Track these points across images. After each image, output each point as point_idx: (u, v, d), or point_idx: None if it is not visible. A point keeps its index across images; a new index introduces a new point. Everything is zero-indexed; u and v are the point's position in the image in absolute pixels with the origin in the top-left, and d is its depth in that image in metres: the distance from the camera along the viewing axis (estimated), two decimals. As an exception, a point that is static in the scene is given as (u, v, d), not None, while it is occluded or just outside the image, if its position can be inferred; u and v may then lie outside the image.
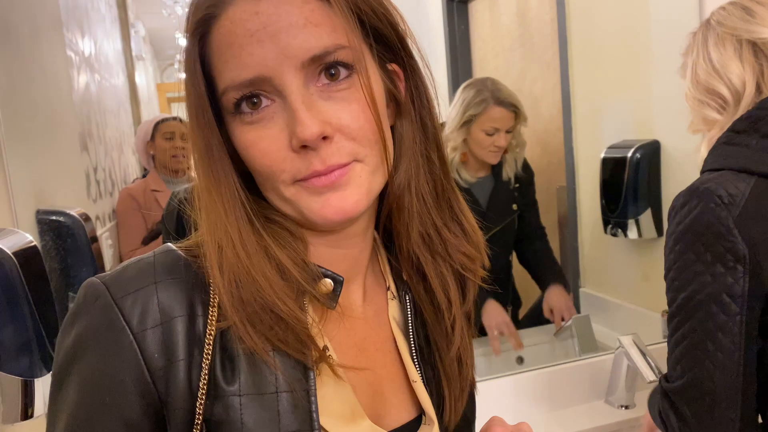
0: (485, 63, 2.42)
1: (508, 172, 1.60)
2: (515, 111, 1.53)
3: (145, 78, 3.47)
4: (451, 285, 0.55)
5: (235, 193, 0.48)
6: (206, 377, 0.45)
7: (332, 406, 0.48)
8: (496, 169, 1.61)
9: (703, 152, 0.91)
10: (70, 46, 1.49)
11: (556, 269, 1.69)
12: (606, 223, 1.64)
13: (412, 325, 0.55)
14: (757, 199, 0.78)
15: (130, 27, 2.82)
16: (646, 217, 1.54)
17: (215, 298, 0.47)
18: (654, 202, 1.54)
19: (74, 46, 1.54)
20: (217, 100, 0.48)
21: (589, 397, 1.34)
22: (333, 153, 0.46)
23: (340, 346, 0.51)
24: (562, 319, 1.58)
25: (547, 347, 1.59)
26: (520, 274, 1.74)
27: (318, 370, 0.47)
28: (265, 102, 0.46)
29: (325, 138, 0.45)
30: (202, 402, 0.45)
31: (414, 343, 0.54)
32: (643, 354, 1.23)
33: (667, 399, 0.86)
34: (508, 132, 1.54)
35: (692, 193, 0.82)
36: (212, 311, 0.46)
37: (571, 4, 1.72)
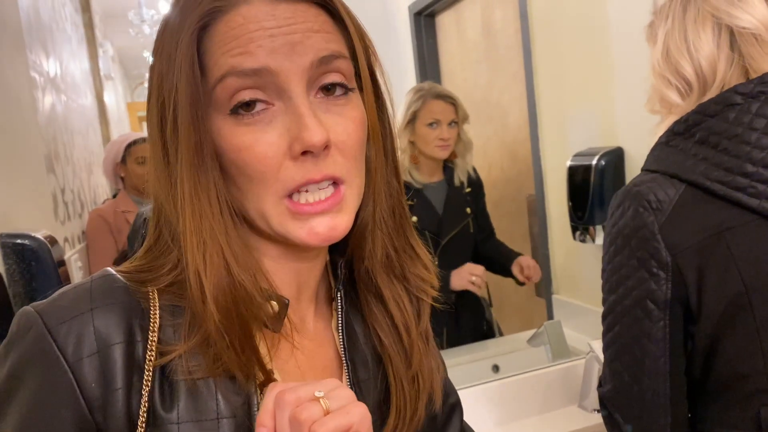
0: (453, 76, 2.45)
1: (460, 176, 1.65)
2: (453, 104, 1.61)
3: (114, 97, 3.44)
4: (408, 306, 0.55)
5: (223, 197, 0.46)
6: (146, 405, 0.44)
7: None
8: (449, 175, 1.65)
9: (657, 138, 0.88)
10: (34, 68, 1.48)
11: (515, 253, 1.74)
12: (574, 229, 1.66)
13: (345, 356, 0.54)
14: (684, 207, 0.77)
15: (98, 46, 2.80)
16: (613, 223, 1.56)
17: (155, 322, 0.46)
18: (620, 207, 1.56)
19: (38, 67, 1.53)
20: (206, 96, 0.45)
21: (563, 403, 1.35)
22: (330, 164, 0.46)
23: (286, 367, 0.50)
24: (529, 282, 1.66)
25: (522, 354, 1.60)
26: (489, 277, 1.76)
27: (262, 394, 0.46)
28: (261, 105, 0.45)
29: (326, 147, 0.45)
30: (142, 430, 0.44)
31: (345, 361, 0.53)
32: (613, 357, 1.25)
33: (602, 404, 0.86)
34: (450, 126, 1.59)
35: (625, 195, 0.82)
36: (152, 336, 0.45)
37: (534, 16, 1.76)
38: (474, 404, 1.29)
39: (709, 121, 0.76)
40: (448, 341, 1.61)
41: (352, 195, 0.48)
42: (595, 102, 1.66)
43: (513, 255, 1.72)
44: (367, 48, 0.51)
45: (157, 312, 0.46)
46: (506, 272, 1.72)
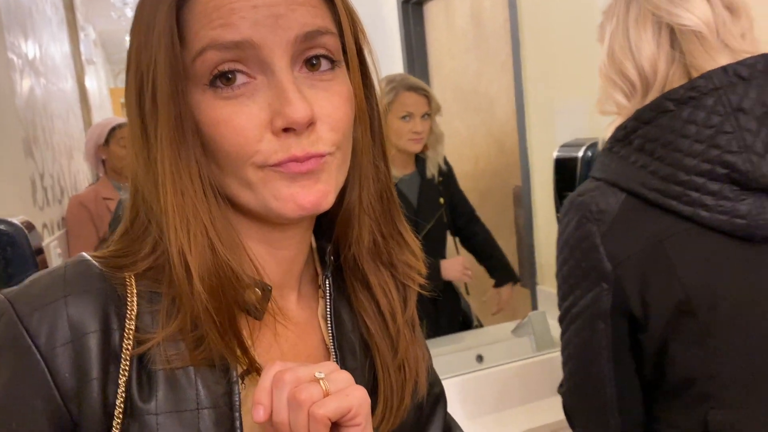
0: (441, 65, 2.44)
1: (431, 169, 1.63)
2: (426, 95, 1.58)
3: (96, 82, 3.38)
4: (394, 294, 0.54)
5: (205, 174, 0.44)
6: (123, 395, 0.42)
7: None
8: (420, 167, 1.64)
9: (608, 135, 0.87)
10: (12, 49, 1.44)
11: (501, 262, 1.76)
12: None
13: (333, 344, 0.52)
14: (624, 217, 0.76)
15: (79, 30, 2.74)
16: (599, 214, 1.56)
17: (132, 309, 0.44)
18: (606, 199, 1.57)
19: (16, 48, 1.49)
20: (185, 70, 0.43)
21: (547, 393, 1.36)
22: (314, 141, 0.44)
23: (268, 355, 0.49)
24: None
25: (506, 345, 1.60)
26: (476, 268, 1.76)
27: (244, 384, 0.45)
28: (242, 79, 0.43)
29: (310, 125, 0.43)
30: (119, 422, 0.42)
31: (334, 349, 0.52)
32: (597, 348, 1.25)
33: (563, 405, 0.88)
34: (423, 118, 1.57)
35: (571, 204, 0.81)
36: (129, 324, 0.43)
37: (523, 6, 1.75)
38: (458, 394, 1.29)
39: (644, 128, 0.75)
40: (427, 331, 1.61)
41: (334, 164, 0.46)
42: (583, 93, 1.65)
43: (502, 278, 1.74)
44: (355, 24, 0.49)
45: (135, 299, 0.45)
46: (491, 275, 1.75)
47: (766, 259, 0.71)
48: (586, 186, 0.82)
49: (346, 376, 0.43)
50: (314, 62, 0.45)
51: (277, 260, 0.50)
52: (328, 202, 0.45)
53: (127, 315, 0.44)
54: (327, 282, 0.52)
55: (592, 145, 1.56)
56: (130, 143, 0.46)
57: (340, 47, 0.47)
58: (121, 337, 0.43)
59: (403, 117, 1.55)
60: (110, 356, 0.43)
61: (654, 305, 0.75)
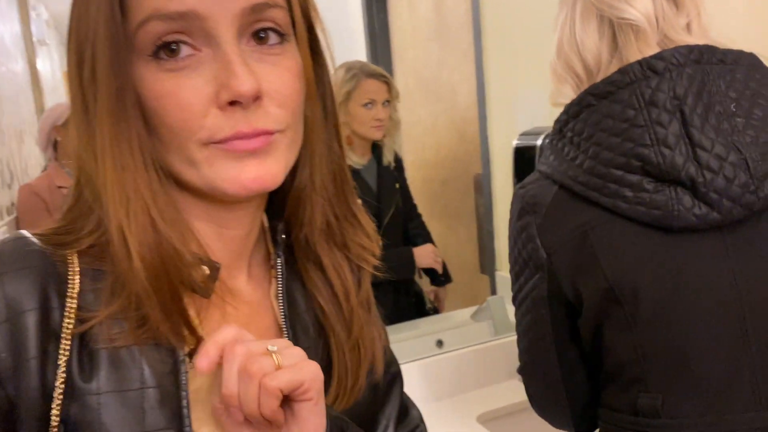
0: (404, 53, 2.44)
1: (388, 155, 1.66)
2: (386, 82, 1.61)
3: (50, 65, 3.27)
4: (348, 275, 0.53)
5: (147, 149, 0.43)
6: (64, 375, 0.41)
7: (207, 400, 0.45)
8: (377, 153, 1.66)
9: None
10: (-43, 26, 1.38)
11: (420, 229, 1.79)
12: (519, 208, 1.69)
13: (286, 324, 0.52)
14: (556, 208, 0.78)
15: (30, 9, 2.64)
16: (556, 202, 1.59)
17: (73, 287, 0.43)
18: (563, 187, 1.59)
19: (-38, 26, 1.43)
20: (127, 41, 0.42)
21: (504, 376, 1.38)
22: (261, 117, 0.43)
23: (213, 332, 0.47)
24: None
25: (465, 329, 1.63)
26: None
27: (192, 363, 0.44)
28: (187, 50, 0.42)
29: (256, 99, 0.42)
30: (60, 403, 0.41)
31: (287, 329, 0.52)
32: (553, 331, 1.28)
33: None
34: (384, 105, 1.60)
35: (515, 195, 0.84)
36: (70, 302, 0.42)
37: (485, -6, 1.76)
38: (417, 378, 1.30)
39: (573, 122, 0.77)
40: (387, 316, 1.61)
41: (284, 143, 0.45)
42: (543, 82, 1.67)
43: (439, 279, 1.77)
44: (306, 0, 0.48)
45: (77, 276, 0.43)
46: (427, 274, 1.78)
47: (684, 249, 0.73)
48: (529, 178, 0.84)
49: (298, 351, 0.43)
50: (262, 35, 0.44)
51: (225, 240, 0.49)
52: (275, 182, 0.45)
53: (68, 293, 0.43)
54: (279, 261, 0.52)
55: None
56: (72, 118, 0.45)
57: (289, 22, 0.46)
58: (62, 315, 0.42)
59: (366, 104, 1.56)
60: (49, 335, 0.41)
61: (585, 293, 0.77)
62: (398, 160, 1.72)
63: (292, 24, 0.46)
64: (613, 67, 0.77)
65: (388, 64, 2.48)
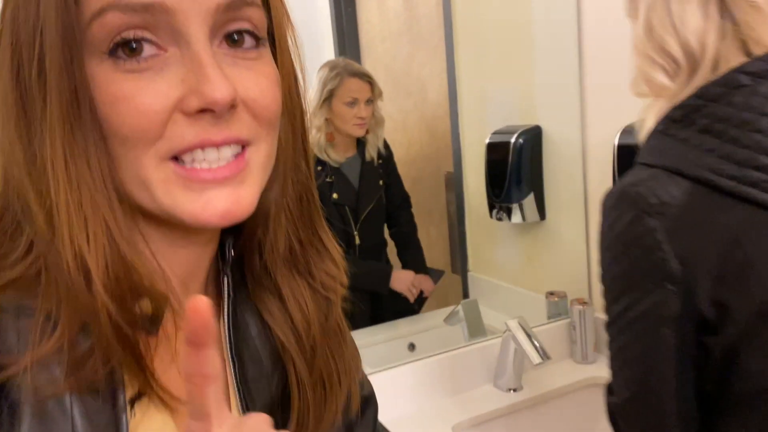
0: (373, 47, 2.38)
1: (371, 152, 1.68)
2: (370, 81, 1.66)
3: None
4: (310, 305, 0.48)
5: (104, 162, 0.37)
6: None
7: None
8: (361, 149, 1.67)
9: (650, 124, 0.75)
10: None
11: (417, 259, 1.76)
12: (491, 207, 1.66)
13: (230, 351, 0.46)
14: (692, 209, 0.67)
15: None
16: (529, 202, 1.57)
17: None
18: (536, 186, 1.57)
19: None
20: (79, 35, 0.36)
21: (479, 382, 1.35)
22: (233, 126, 0.38)
23: (167, 376, 0.42)
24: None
25: (438, 332, 1.59)
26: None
27: (134, 412, 0.38)
28: (150, 49, 0.36)
29: (231, 107, 0.37)
30: None
31: (229, 357, 0.46)
32: (530, 337, 1.25)
33: (609, 413, 0.80)
34: (367, 104, 1.63)
35: (622, 197, 0.71)
36: None
37: (456, -11, 1.72)
38: (390, 386, 1.25)
39: (711, 107, 0.67)
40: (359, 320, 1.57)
41: (258, 163, 0.40)
42: (515, 79, 1.65)
43: (418, 269, 1.73)
44: (283, 1, 0.43)
45: None
46: (404, 267, 1.74)
47: None
48: (638, 175, 0.72)
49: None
50: (236, 38, 0.39)
51: (180, 262, 0.43)
52: (249, 212, 0.39)
53: None
54: (226, 280, 0.46)
55: (524, 132, 1.55)
56: (0, 125, 0.38)
57: (265, 24, 0.40)
58: None
59: (348, 103, 1.59)
60: None
61: (730, 309, 0.66)
62: (386, 158, 1.73)
63: (269, 27, 0.41)
64: (731, 49, 0.69)
65: (356, 58, 2.42)
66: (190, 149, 0.37)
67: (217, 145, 0.38)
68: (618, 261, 0.72)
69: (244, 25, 0.39)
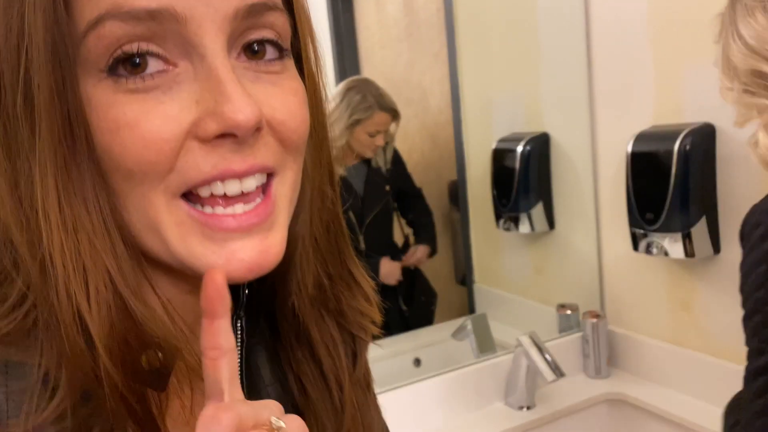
0: (372, 54, 2.34)
1: (378, 161, 1.68)
2: (395, 116, 1.68)
3: None
4: (341, 350, 0.42)
5: (105, 200, 0.32)
6: None
7: None
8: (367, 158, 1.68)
9: (764, 140, 0.74)
10: None
11: (427, 235, 1.77)
12: (498, 217, 1.61)
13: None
14: None
15: None
16: (538, 211, 1.52)
17: None
18: (545, 195, 1.53)
19: None
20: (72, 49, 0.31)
21: (489, 400, 1.30)
22: (259, 149, 0.33)
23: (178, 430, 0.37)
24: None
25: (444, 347, 1.54)
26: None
27: None
28: (157, 65, 0.31)
29: (256, 131, 0.32)
30: None
31: None
32: (542, 352, 1.20)
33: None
34: (386, 132, 1.65)
35: None
36: None
37: (458, -6, 1.68)
38: (395, 405, 1.20)
39: None
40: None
41: (285, 197, 0.35)
42: (521, 85, 1.61)
43: (422, 239, 1.75)
44: (305, 3, 0.38)
45: None
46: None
47: None
48: None
49: (299, 424, 0.32)
50: (257, 48, 0.33)
51: (189, 307, 0.38)
52: (278, 259, 0.34)
53: None
54: (239, 324, 0.41)
55: (532, 139, 1.51)
56: None
57: (289, 32, 0.35)
58: None
59: (371, 133, 1.61)
60: None
61: None
62: (397, 162, 1.74)
63: (293, 34, 0.36)
64: None
65: (355, 65, 2.39)
66: (207, 182, 0.32)
67: (240, 177, 0.32)
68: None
69: (267, 34, 0.34)
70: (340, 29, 2.35)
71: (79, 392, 0.31)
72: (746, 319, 0.71)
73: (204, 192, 0.33)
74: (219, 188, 0.33)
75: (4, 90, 0.31)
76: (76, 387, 0.31)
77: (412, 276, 1.69)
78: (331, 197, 0.41)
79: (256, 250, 0.33)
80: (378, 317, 0.45)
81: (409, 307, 1.69)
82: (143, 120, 0.31)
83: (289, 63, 0.36)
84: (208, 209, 0.33)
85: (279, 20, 0.34)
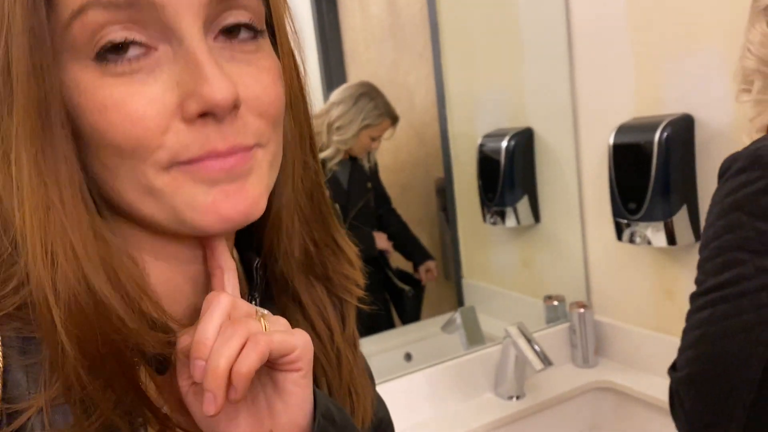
0: (357, 54, 2.35)
1: (362, 159, 1.74)
2: (395, 121, 1.75)
3: None
4: (330, 311, 0.45)
5: (78, 179, 0.34)
6: None
7: None
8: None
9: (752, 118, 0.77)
10: None
11: (420, 248, 1.83)
12: (484, 212, 1.63)
13: None
14: None
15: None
16: (523, 204, 1.54)
17: None
18: (530, 188, 1.55)
19: None
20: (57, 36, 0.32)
21: (479, 391, 1.31)
22: (238, 130, 0.35)
23: (179, 405, 0.38)
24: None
25: (434, 341, 1.56)
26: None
27: None
28: (137, 49, 0.33)
29: (233, 108, 0.34)
30: None
31: None
32: (530, 343, 1.22)
33: (673, 389, 0.76)
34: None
35: (754, 161, 0.66)
36: None
37: (440, -7, 1.70)
38: (387, 399, 1.21)
39: None
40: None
41: (266, 160, 0.37)
42: (504, 82, 1.63)
43: (419, 258, 1.79)
44: None
45: None
46: (409, 259, 1.78)
47: None
48: None
49: (285, 321, 0.37)
50: (232, 30, 0.35)
51: (191, 282, 0.40)
52: (260, 209, 0.36)
53: None
54: (254, 303, 0.42)
55: (516, 134, 1.53)
56: None
57: (263, 13, 0.37)
58: None
59: (373, 138, 1.69)
60: None
61: None
62: (372, 162, 1.79)
63: (267, 15, 0.38)
64: None
65: (340, 66, 2.40)
66: (193, 162, 0.34)
67: (222, 155, 0.35)
68: (735, 230, 0.68)
69: (242, 18, 0.35)
70: (324, 30, 2.36)
71: (86, 365, 0.32)
72: (699, 253, 0.73)
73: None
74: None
75: None
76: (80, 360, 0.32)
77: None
78: (314, 167, 0.44)
79: (242, 193, 0.35)
80: (361, 280, 0.47)
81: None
82: (129, 100, 0.33)
83: (264, 42, 0.38)
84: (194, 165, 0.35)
85: (251, 3, 0.36)
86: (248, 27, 0.36)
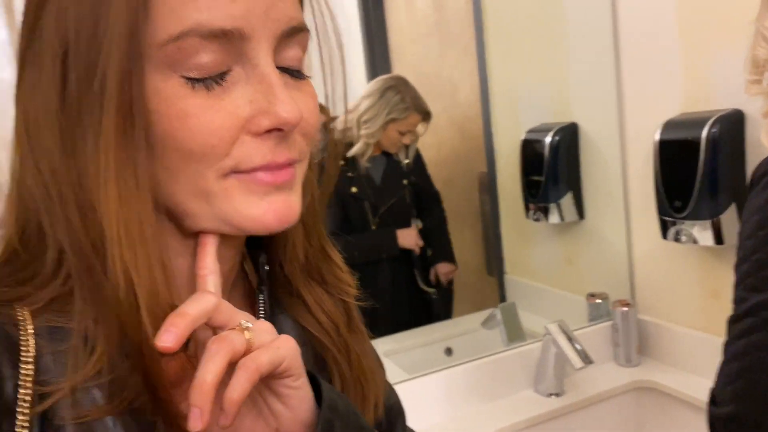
0: (402, 49, 2.36)
1: (399, 156, 1.72)
2: (428, 119, 1.72)
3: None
4: (331, 307, 0.49)
5: (149, 176, 0.37)
6: None
7: None
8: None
9: None
10: (-67, 33, 1.31)
11: (440, 249, 1.79)
12: (527, 208, 1.63)
13: None
14: None
15: (18, 15, 2.57)
16: (567, 201, 1.53)
17: (28, 351, 0.36)
18: (574, 185, 1.53)
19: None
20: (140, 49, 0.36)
21: (518, 387, 1.32)
22: (291, 146, 0.40)
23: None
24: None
25: (475, 336, 1.56)
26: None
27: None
28: (219, 69, 0.37)
29: (296, 126, 0.39)
30: None
31: None
32: (571, 340, 1.21)
33: (711, 426, 0.68)
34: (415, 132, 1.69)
35: None
36: (25, 369, 0.35)
37: (486, -13, 1.69)
38: (426, 392, 1.23)
39: None
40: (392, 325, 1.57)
41: (301, 175, 0.42)
42: (548, 76, 1.61)
43: (440, 257, 1.75)
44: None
45: (31, 339, 0.36)
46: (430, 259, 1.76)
47: None
48: None
49: (268, 326, 0.39)
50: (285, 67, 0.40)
51: (179, 274, 0.42)
52: (297, 218, 0.41)
53: (22, 358, 0.35)
54: (262, 298, 0.47)
55: (560, 129, 1.51)
56: (27, 127, 0.37)
57: (307, 49, 0.43)
58: (16, 386, 0.35)
59: (402, 132, 1.66)
60: (1, 411, 0.34)
61: None
62: (417, 160, 1.77)
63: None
64: None
65: (386, 61, 2.42)
66: (255, 170, 0.39)
67: (280, 167, 0.39)
68: None
69: (297, 52, 0.41)
70: (370, 26, 2.39)
71: (116, 348, 0.36)
72: (737, 267, 0.69)
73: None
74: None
75: (74, 73, 0.36)
76: (113, 343, 0.36)
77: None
78: (312, 181, 0.48)
79: (286, 204, 0.40)
80: (352, 281, 0.51)
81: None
82: (208, 112, 0.37)
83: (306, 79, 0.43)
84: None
85: (305, 38, 0.41)
86: (296, 71, 0.42)
